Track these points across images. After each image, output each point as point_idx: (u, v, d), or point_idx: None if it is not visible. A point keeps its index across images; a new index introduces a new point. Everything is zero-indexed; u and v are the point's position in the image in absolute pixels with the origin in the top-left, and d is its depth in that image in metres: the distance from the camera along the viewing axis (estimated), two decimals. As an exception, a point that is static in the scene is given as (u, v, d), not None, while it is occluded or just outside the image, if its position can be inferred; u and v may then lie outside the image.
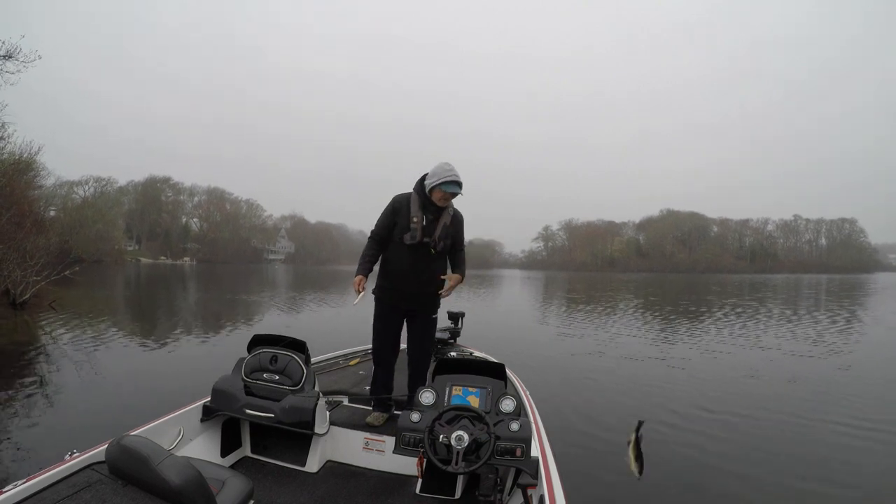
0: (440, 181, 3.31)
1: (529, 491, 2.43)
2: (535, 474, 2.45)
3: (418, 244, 3.43)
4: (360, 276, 3.47)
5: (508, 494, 2.82)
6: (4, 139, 16.92)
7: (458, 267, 3.65)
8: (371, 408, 3.67)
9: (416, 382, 3.60)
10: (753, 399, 6.91)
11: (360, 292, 3.48)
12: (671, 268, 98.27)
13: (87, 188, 76.35)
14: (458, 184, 3.33)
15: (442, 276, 3.56)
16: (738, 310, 19.60)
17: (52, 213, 41.62)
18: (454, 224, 3.53)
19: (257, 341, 3.42)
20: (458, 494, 3.01)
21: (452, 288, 3.54)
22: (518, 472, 2.83)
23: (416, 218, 3.40)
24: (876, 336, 13.39)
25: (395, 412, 3.64)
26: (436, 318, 3.67)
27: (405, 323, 3.66)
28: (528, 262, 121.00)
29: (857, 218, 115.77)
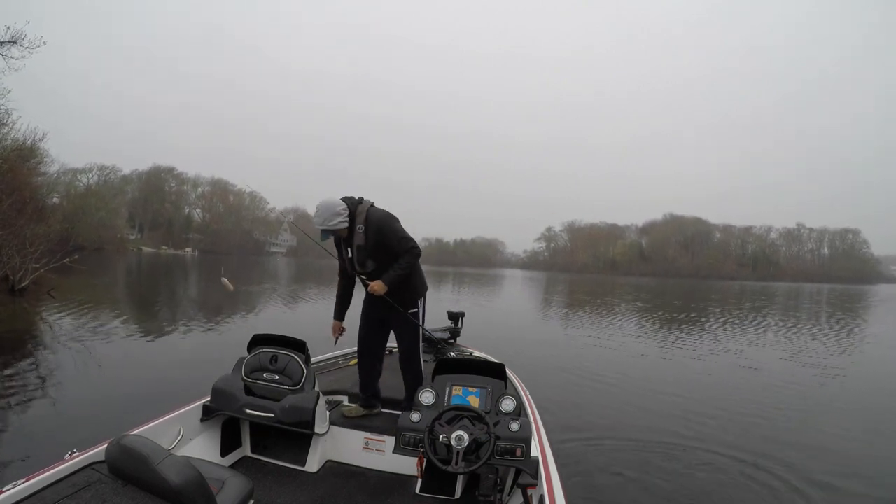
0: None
1: (529, 491, 2.43)
2: (535, 474, 2.46)
3: (353, 275, 3.50)
4: (335, 323, 3.67)
5: (508, 494, 2.83)
6: (8, 125, 16.95)
7: (390, 271, 3.35)
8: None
9: (408, 378, 3.58)
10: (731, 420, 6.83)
11: (336, 339, 3.72)
12: (673, 272, 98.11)
13: (90, 176, 76.29)
14: (324, 231, 3.27)
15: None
16: (737, 321, 19.41)
17: (55, 199, 41.66)
18: (370, 236, 3.32)
19: (257, 341, 3.41)
20: (458, 494, 3.02)
21: (374, 292, 3.35)
22: (518, 472, 2.83)
23: (345, 253, 3.45)
24: (873, 355, 13.05)
25: (383, 410, 3.65)
26: (414, 311, 3.53)
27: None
28: (530, 263, 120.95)
29: (861, 228, 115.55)
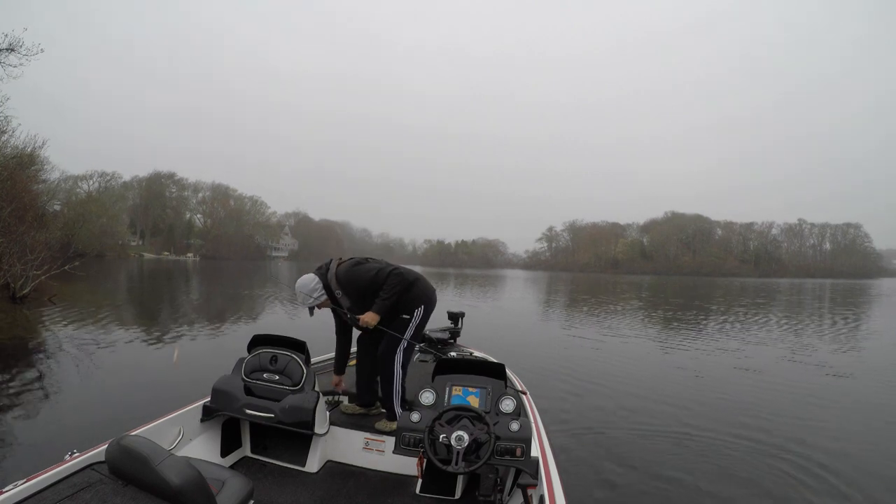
0: None
1: (529, 491, 2.43)
2: (535, 474, 2.45)
3: (362, 329, 3.60)
4: (336, 378, 3.79)
5: (508, 494, 2.82)
6: (7, 133, 16.97)
7: (377, 301, 3.44)
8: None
9: (381, 378, 3.56)
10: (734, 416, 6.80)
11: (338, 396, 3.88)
12: (675, 270, 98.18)
13: (91, 183, 76.75)
14: (308, 308, 3.49)
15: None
16: (741, 318, 19.29)
17: (56, 207, 41.78)
18: (350, 294, 3.46)
19: (257, 341, 3.41)
20: (458, 494, 3.02)
21: (368, 325, 3.46)
22: (518, 472, 2.83)
23: (345, 317, 3.57)
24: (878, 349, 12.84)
25: (382, 410, 3.64)
26: (406, 318, 3.52)
27: None
28: (532, 263, 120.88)
29: (863, 223, 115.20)
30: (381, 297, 3.39)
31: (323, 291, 3.44)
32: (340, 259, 3.57)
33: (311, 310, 3.48)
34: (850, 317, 20.39)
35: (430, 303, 3.60)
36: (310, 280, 3.45)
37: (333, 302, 3.50)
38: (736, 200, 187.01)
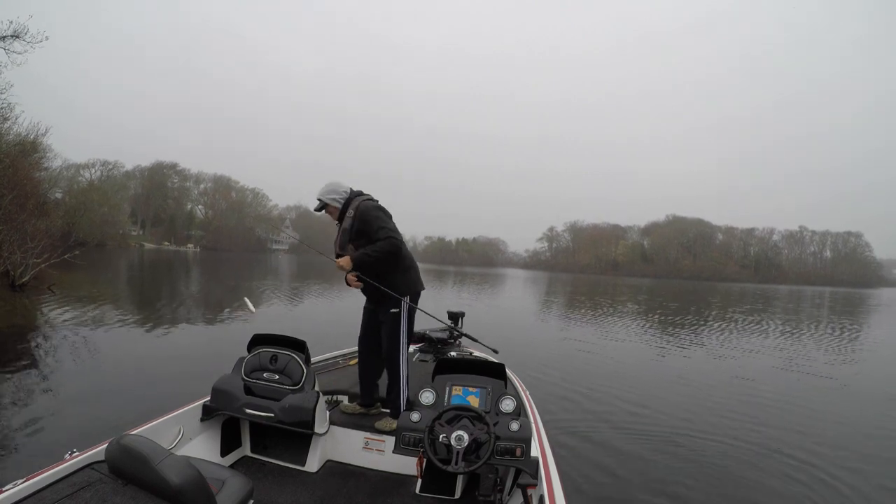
0: None
1: (529, 491, 2.43)
2: (535, 474, 2.45)
3: (338, 256, 3.52)
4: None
5: (508, 494, 2.83)
6: (10, 120, 16.94)
7: (360, 250, 3.36)
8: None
9: (389, 379, 3.52)
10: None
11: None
12: (675, 274, 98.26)
13: (93, 171, 76.53)
14: (319, 200, 3.51)
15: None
16: (736, 325, 19.28)
17: (57, 195, 41.75)
18: (354, 223, 3.41)
19: (257, 341, 3.41)
20: (458, 494, 3.02)
21: (340, 268, 3.42)
22: (518, 472, 2.84)
23: (336, 237, 3.57)
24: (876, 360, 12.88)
25: (382, 409, 3.64)
26: (395, 311, 3.42)
27: None
28: (532, 263, 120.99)
29: (863, 229, 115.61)
30: (366, 250, 3.33)
31: (340, 201, 3.48)
32: (374, 200, 3.55)
33: (319, 202, 3.51)
34: (850, 326, 20.39)
35: (415, 297, 3.57)
36: (340, 186, 3.53)
37: (339, 217, 3.50)
38: (736, 201, 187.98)
